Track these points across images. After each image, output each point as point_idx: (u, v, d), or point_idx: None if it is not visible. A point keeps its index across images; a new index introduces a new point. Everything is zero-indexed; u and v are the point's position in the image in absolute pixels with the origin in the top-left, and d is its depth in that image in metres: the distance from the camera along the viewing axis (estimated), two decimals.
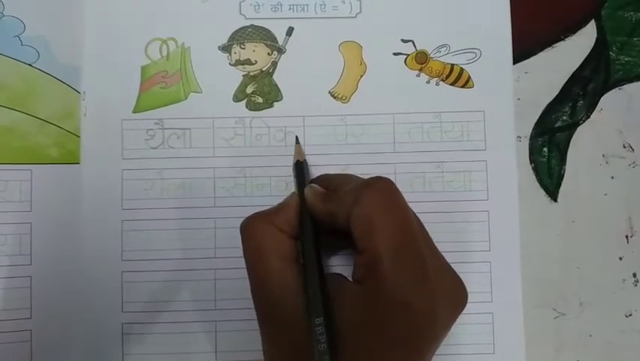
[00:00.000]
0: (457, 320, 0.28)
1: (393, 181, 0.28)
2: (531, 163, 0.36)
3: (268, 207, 0.34)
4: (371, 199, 0.27)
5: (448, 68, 0.35)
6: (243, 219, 0.34)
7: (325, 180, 0.31)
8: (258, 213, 0.29)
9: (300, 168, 0.32)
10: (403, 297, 0.25)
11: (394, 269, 0.25)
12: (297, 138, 0.34)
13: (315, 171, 0.34)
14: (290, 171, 0.34)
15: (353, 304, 0.26)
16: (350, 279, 0.28)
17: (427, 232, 0.29)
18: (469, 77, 0.35)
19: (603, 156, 0.36)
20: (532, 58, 0.36)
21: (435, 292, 0.26)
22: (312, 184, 0.30)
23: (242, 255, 0.34)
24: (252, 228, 0.29)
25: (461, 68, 0.35)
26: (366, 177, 0.34)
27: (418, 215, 0.29)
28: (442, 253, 0.29)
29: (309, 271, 0.28)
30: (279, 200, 0.34)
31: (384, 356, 0.25)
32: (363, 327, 0.26)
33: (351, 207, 0.27)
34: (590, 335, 0.35)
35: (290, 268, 0.28)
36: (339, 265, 0.33)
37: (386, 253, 0.25)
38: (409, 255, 0.26)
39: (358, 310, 0.26)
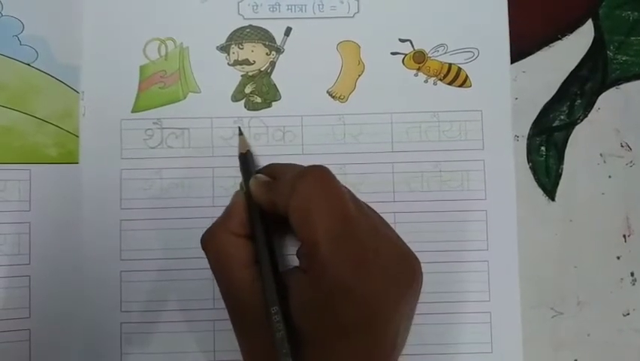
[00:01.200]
0: (454, 317, 0.28)
1: (334, 174, 0.28)
2: (529, 162, 0.36)
3: None
4: (305, 189, 0.27)
5: (446, 67, 0.35)
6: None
7: (270, 170, 0.31)
8: (214, 223, 0.30)
9: (245, 160, 0.32)
10: (344, 283, 0.25)
11: (332, 257, 0.26)
12: (239, 129, 0.34)
13: None
14: None
15: (302, 292, 0.27)
16: (297, 269, 0.29)
17: (370, 214, 0.29)
18: (467, 77, 0.35)
19: (601, 155, 0.36)
20: (529, 57, 0.36)
21: (376, 275, 0.26)
22: (257, 174, 0.30)
23: None
24: (211, 241, 0.29)
25: (459, 67, 0.35)
26: (363, 176, 0.34)
27: (410, 213, 0.29)
28: (439, 253, 0.29)
29: (263, 264, 0.28)
30: None
31: (341, 343, 0.25)
32: (315, 315, 0.26)
33: (288, 197, 0.27)
34: (588, 335, 0.35)
35: (251, 271, 0.28)
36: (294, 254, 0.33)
37: (323, 242, 0.26)
38: (347, 241, 0.26)
39: (307, 299, 0.26)
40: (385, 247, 0.27)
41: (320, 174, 0.27)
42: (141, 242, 0.34)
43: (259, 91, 0.35)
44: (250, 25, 0.35)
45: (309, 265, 0.26)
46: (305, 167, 0.29)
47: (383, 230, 0.29)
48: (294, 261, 0.30)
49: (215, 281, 0.29)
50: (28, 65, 0.34)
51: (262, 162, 0.34)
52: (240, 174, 0.33)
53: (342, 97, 0.35)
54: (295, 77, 0.35)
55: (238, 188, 0.33)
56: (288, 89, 0.35)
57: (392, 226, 0.32)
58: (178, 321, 0.34)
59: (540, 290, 0.35)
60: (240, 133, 0.34)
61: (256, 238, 0.29)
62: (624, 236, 0.36)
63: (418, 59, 0.36)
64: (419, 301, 0.29)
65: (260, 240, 0.29)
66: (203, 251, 0.29)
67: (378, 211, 0.31)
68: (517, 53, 0.36)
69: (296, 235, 0.27)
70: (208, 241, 0.29)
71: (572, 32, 0.37)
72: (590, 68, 0.36)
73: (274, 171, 0.31)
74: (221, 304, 0.33)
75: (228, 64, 0.35)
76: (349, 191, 0.29)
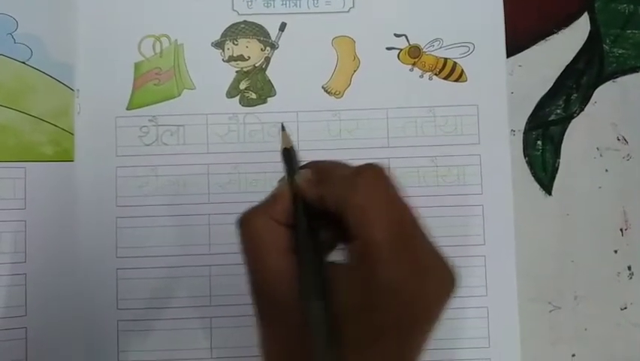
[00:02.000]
0: (451, 312, 0.28)
1: None
2: (525, 157, 0.36)
3: None
4: (365, 187, 0.27)
5: (441, 62, 0.35)
6: (237, 215, 0.34)
7: (314, 166, 0.31)
8: (253, 207, 0.29)
9: (289, 155, 0.32)
10: (395, 285, 0.25)
11: (388, 257, 0.25)
12: (282, 125, 0.34)
13: None
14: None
15: (347, 288, 0.26)
16: (342, 264, 0.28)
17: (417, 216, 0.28)
18: (463, 71, 0.35)
19: (597, 149, 0.36)
20: (525, 51, 0.36)
21: (426, 278, 0.26)
22: (302, 170, 0.30)
23: (236, 251, 0.34)
24: (249, 223, 0.28)
25: (454, 62, 0.35)
26: None
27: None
28: (437, 247, 0.29)
29: (304, 258, 0.28)
30: None
31: (383, 343, 0.25)
32: (357, 312, 0.26)
33: (344, 194, 0.27)
34: (586, 329, 0.35)
35: (289, 259, 0.28)
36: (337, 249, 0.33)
37: (380, 241, 0.26)
38: (403, 242, 0.26)
39: (351, 295, 0.26)
40: (432, 251, 0.27)
41: (380, 173, 0.27)
42: (137, 239, 0.34)
43: (254, 87, 0.35)
44: (245, 21, 0.35)
45: (363, 263, 0.26)
46: (362, 165, 0.28)
47: (428, 234, 0.28)
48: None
49: (211, 278, 0.29)
50: (23, 63, 0.34)
51: (256, 157, 0.34)
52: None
53: (337, 92, 0.35)
54: (290, 72, 0.35)
55: (232, 184, 0.33)
56: (283, 84, 0.35)
57: None
58: (174, 318, 0.34)
59: (537, 285, 0.35)
60: (283, 129, 0.34)
61: (299, 230, 0.28)
62: (621, 230, 0.36)
63: (414, 54, 0.35)
64: None
65: (303, 232, 0.28)
66: (237, 231, 0.28)
67: None
68: (513, 47, 0.36)
69: (350, 231, 0.27)
70: (245, 222, 0.28)
71: (567, 26, 0.36)
72: (586, 61, 0.36)
73: (318, 168, 0.30)
74: (218, 301, 0.34)
75: (223, 60, 0.35)
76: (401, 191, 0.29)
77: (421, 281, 0.26)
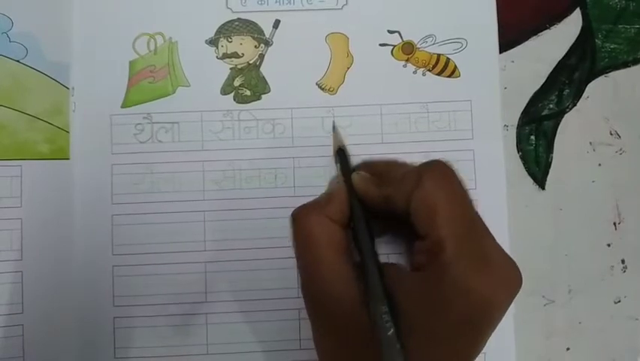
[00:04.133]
0: None
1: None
2: (518, 152, 0.36)
3: (258, 199, 0.34)
4: (433, 183, 0.26)
5: (435, 58, 0.36)
6: (232, 212, 0.35)
7: (368, 166, 0.31)
8: (307, 203, 0.29)
9: (343, 155, 0.31)
10: (466, 284, 0.25)
11: (458, 256, 0.25)
12: (334, 125, 0.34)
13: (303, 163, 0.34)
14: (278, 164, 0.34)
15: (413, 290, 0.26)
16: (402, 266, 0.28)
17: (479, 215, 0.28)
18: (456, 67, 0.36)
19: (590, 143, 0.36)
20: (518, 47, 0.36)
21: (495, 279, 0.26)
22: (358, 171, 0.30)
23: (231, 248, 0.34)
24: (304, 218, 0.28)
25: (447, 58, 0.36)
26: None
27: None
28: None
29: (367, 260, 0.27)
30: (268, 192, 0.34)
31: (446, 341, 0.25)
32: (425, 313, 0.25)
33: (411, 192, 0.26)
34: (580, 322, 0.35)
35: (342, 258, 0.27)
36: (391, 252, 0.32)
37: (450, 240, 0.25)
38: (472, 241, 0.26)
39: (419, 297, 0.25)
40: (498, 249, 0.27)
41: (447, 170, 0.27)
42: (133, 237, 0.34)
43: (248, 84, 0.35)
44: (239, 19, 0.35)
45: (431, 262, 0.26)
46: (426, 161, 0.28)
47: (490, 232, 0.28)
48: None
49: (206, 275, 0.29)
50: (18, 61, 0.34)
51: (251, 154, 0.34)
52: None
53: (331, 89, 0.35)
54: (284, 69, 0.35)
55: (227, 181, 0.33)
56: (277, 81, 0.35)
57: None
58: (170, 315, 0.34)
59: (531, 279, 0.35)
60: (335, 129, 0.33)
61: (359, 230, 0.28)
62: (614, 224, 0.36)
63: (407, 50, 0.36)
64: None
65: (363, 232, 0.28)
66: (291, 226, 0.28)
67: None
68: (506, 42, 0.36)
69: (417, 229, 0.26)
70: (300, 218, 0.28)
71: (559, 21, 0.37)
72: (578, 56, 0.37)
73: (371, 168, 0.30)
74: (213, 297, 0.34)
75: (217, 57, 0.35)
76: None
77: (491, 280, 0.26)
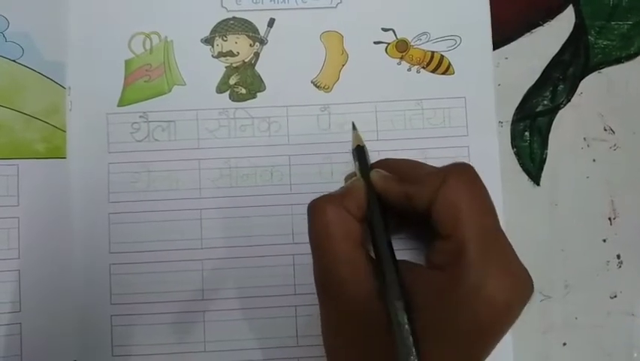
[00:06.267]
0: None
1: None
2: (513, 148, 0.36)
3: (255, 197, 0.35)
4: (459, 184, 0.26)
5: (429, 55, 0.36)
6: (228, 209, 0.35)
7: (386, 165, 0.30)
8: (325, 195, 0.28)
9: (362, 152, 0.31)
10: (485, 288, 0.25)
11: (480, 259, 0.25)
12: (353, 124, 0.34)
13: (299, 161, 0.35)
14: (274, 161, 0.35)
15: (430, 289, 0.26)
16: (418, 263, 0.28)
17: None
18: (450, 64, 0.36)
19: (584, 139, 0.36)
20: (511, 44, 0.36)
21: (512, 285, 0.26)
22: (377, 169, 0.30)
23: (227, 245, 0.34)
24: (322, 209, 0.27)
25: (441, 55, 0.36)
26: (350, 165, 0.35)
27: None
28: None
29: (384, 255, 0.27)
30: (265, 190, 0.35)
31: (459, 342, 0.25)
32: (441, 312, 0.25)
33: (436, 191, 0.26)
34: (576, 318, 0.35)
35: (358, 250, 0.27)
36: (406, 248, 0.32)
37: (472, 241, 0.25)
38: (492, 244, 0.26)
39: (436, 296, 0.25)
40: (514, 255, 0.27)
41: (473, 172, 0.27)
42: (130, 235, 0.34)
43: (244, 82, 0.35)
44: (234, 17, 0.36)
45: (453, 262, 0.25)
46: (451, 163, 0.28)
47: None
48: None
49: (203, 273, 0.29)
50: (14, 61, 0.34)
51: (247, 152, 0.35)
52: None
53: (326, 87, 0.35)
54: (279, 67, 0.35)
55: (223, 179, 0.34)
56: (273, 79, 0.35)
57: None
58: (168, 313, 0.34)
59: None
60: (354, 128, 0.33)
61: (376, 226, 0.28)
62: (609, 219, 0.36)
63: (401, 48, 0.36)
64: None
65: (380, 228, 0.28)
66: (308, 217, 0.28)
67: None
68: (499, 39, 0.36)
69: (439, 229, 0.26)
70: (317, 209, 0.27)
71: (553, 18, 0.37)
72: (571, 53, 0.37)
73: (389, 166, 0.30)
74: (210, 295, 0.34)
75: (212, 56, 0.35)
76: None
77: (508, 286, 0.25)
